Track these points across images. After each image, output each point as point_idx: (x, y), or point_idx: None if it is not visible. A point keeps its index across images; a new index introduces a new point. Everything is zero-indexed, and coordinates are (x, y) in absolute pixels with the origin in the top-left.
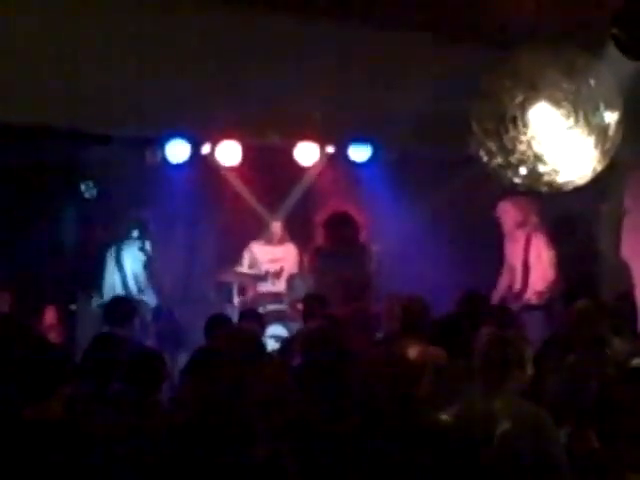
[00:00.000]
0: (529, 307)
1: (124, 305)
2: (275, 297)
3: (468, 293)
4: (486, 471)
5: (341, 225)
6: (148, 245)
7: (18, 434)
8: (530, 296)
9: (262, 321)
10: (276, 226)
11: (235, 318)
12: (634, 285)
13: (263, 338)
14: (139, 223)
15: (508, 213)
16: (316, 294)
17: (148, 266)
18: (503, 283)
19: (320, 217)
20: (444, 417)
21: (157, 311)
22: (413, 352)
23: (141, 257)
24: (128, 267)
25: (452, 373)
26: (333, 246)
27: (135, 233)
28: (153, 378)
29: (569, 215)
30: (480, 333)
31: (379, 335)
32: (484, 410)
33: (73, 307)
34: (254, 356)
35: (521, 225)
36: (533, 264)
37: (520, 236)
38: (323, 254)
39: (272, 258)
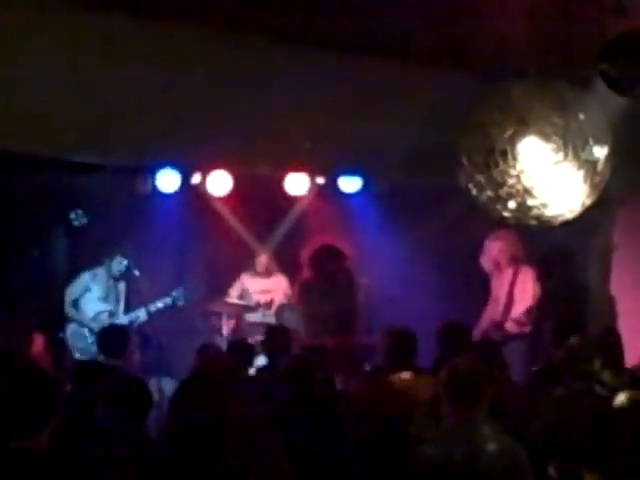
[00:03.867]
0: (510, 337)
1: (117, 334)
2: (264, 328)
3: (448, 324)
4: None
5: (327, 258)
6: (136, 272)
7: (4, 464)
8: (510, 325)
9: (251, 352)
10: (263, 258)
11: (224, 348)
12: (621, 320)
13: (251, 367)
14: (125, 256)
15: (498, 248)
16: (278, 326)
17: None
18: (487, 315)
19: (306, 251)
20: (428, 449)
21: (145, 340)
22: (400, 384)
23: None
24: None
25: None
26: (319, 279)
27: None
28: (138, 407)
29: (558, 249)
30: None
31: (367, 366)
32: (468, 437)
33: (61, 335)
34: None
35: (512, 260)
36: (518, 297)
37: (508, 269)
38: (309, 287)
39: (263, 289)
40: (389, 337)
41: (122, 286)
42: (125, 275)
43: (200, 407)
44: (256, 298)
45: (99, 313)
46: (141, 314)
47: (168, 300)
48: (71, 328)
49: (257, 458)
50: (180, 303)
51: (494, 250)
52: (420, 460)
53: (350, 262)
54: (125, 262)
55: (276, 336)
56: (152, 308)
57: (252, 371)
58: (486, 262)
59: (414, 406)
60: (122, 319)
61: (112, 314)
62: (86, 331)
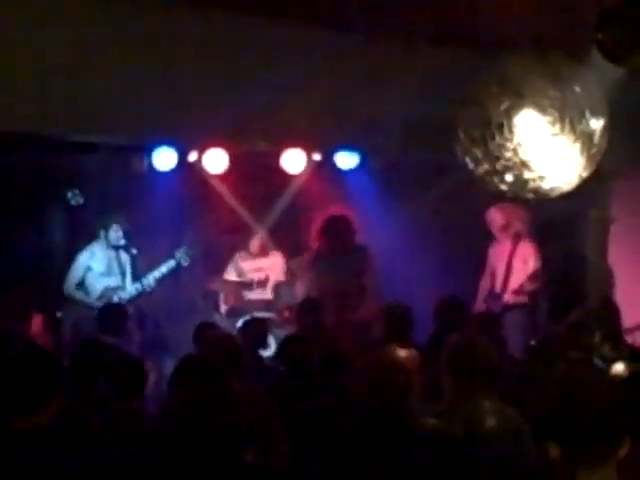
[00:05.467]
0: (508, 307)
1: (115, 312)
2: (262, 305)
3: (444, 300)
4: (472, 469)
5: (338, 229)
6: (134, 251)
7: (6, 443)
8: (508, 296)
9: (265, 331)
10: (258, 238)
11: (223, 325)
12: (618, 290)
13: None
14: (121, 226)
15: (493, 218)
16: (310, 302)
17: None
18: (484, 287)
19: (319, 220)
20: (432, 421)
21: (144, 318)
22: (400, 356)
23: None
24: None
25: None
26: (331, 251)
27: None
28: (133, 384)
29: (555, 221)
30: (448, 338)
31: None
32: (469, 411)
33: (59, 314)
34: (240, 362)
35: (504, 229)
36: (517, 269)
37: (506, 240)
38: (321, 259)
39: (257, 267)
40: (386, 312)
41: (124, 256)
42: (125, 245)
43: (199, 385)
44: (250, 276)
45: (106, 289)
46: (148, 281)
47: (172, 262)
48: (79, 311)
49: (256, 430)
50: (185, 263)
51: (491, 222)
52: (421, 433)
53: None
54: (121, 232)
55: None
56: (157, 274)
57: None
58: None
59: (412, 379)
60: (130, 290)
61: (119, 287)
62: (96, 312)
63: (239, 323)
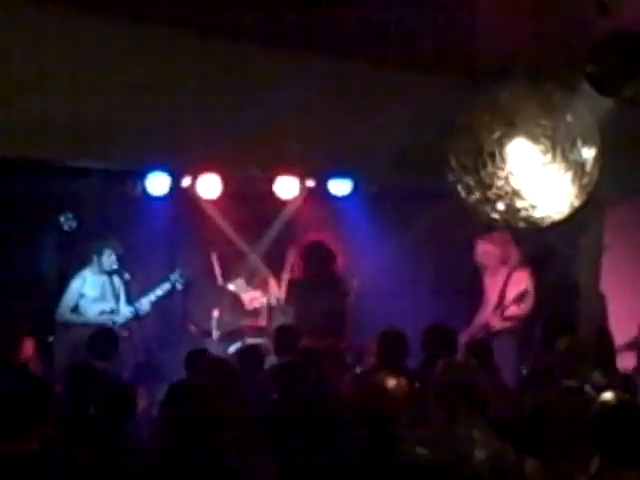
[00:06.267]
0: (496, 333)
1: (106, 337)
2: (255, 331)
3: (433, 327)
4: None
5: (317, 255)
6: (127, 276)
7: None
8: (495, 322)
9: (260, 355)
10: (253, 264)
11: (214, 351)
12: (612, 320)
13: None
14: (114, 251)
15: (488, 251)
16: (289, 326)
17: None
18: (480, 319)
19: (296, 248)
20: (421, 451)
21: (136, 343)
22: (390, 384)
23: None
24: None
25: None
26: (308, 277)
27: (107, 261)
28: (122, 411)
29: (547, 250)
30: (437, 363)
31: (358, 369)
32: (458, 440)
33: (51, 339)
34: (231, 387)
35: (504, 261)
36: (509, 299)
37: (502, 271)
38: (298, 285)
39: (252, 296)
40: (382, 338)
41: (117, 281)
42: (118, 269)
43: (191, 411)
44: (246, 305)
45: (100, 314)
46: (143, 304)
47: (167, 285)
48: (73, 335)
49: (246, 460)
50: (179, 286)
51: (479, 252)
52: (409, 461)
53: (340, 261)
54: (114, 256)
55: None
56: (152, 297)
57: None
58: (477, 261)
59: (402, 407)
60: (124, 313)
61: (113, 312)
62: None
63: (231, 349)
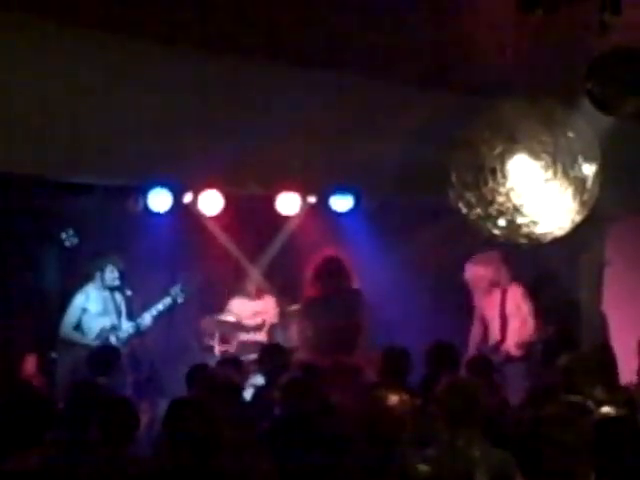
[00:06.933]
0: (510, 359)
1: (108, 354)
2: (256, 347)
3: (437, 344)
4: None
5: (331, 271)
6: (128, 292)
7: None
8: (510, 348)
9: (241, 368)
10: (254, 281)
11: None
12: (613, 336)
13: (243, 386)
14: (116, 267)
15: (480, 274)
16: (277, 345)
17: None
18: (475, 335)
19: (309, 267)
20: (424, 468)
21: (137, 360)
22: (393, 400)
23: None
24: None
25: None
26: (325, 293)
27: (109, 277)
28: (124, 428)
29: (549, 267)
30: (439, 379)
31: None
32: (460, 458)
33: (54, 355)
34: (230, 403)
35: (495, 284)
36: (511, 316)
37: (494, 291)
38: (315, 302)
39: (253, 312)
40: (385, 355)
41: (119, 296)
42: (120, 285)
43: (192, 428)
44: (247, 322)
45: (102, 330)
46: (144, 319)
47: (168, 300)
48: (75, 352)
49: (248, 475)
50: (180, 300)
51: (470, 275)
52: (412, 478)
53: (354, 279)
54: (116, 272)
55: (273, 354)
56: (154, 312)
57: (247, 390)
58: (468, 283)
59: (404, 424)
60: (126, 329)
61: (115, 327)
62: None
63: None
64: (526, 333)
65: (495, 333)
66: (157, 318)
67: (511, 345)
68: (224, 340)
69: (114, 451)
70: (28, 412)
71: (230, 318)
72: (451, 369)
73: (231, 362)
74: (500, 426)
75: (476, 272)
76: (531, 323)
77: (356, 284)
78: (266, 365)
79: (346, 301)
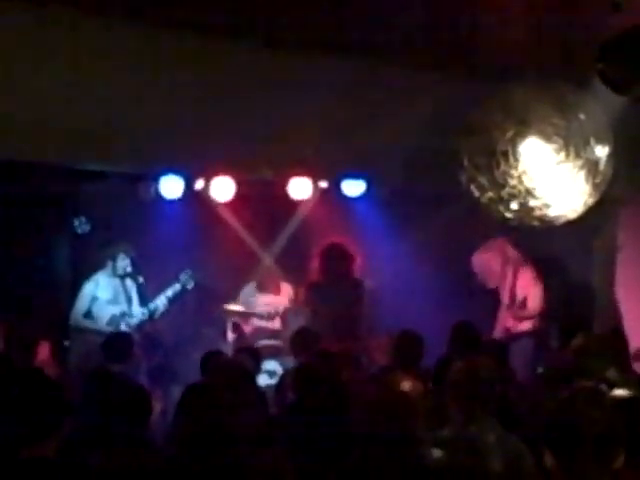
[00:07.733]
0: (516, 335)
1: (121, 340)
2: (270, 332)
3: (461, 323)
4: None
5: (336, 258)
6: (140, 279)
7: (14, 473)
8: (515, 325)
9: (257, 356)
10: (266, 266)
11: (230, 354)
12: (626, 320)
13: (258, 373)
14: (128, 254)
15: (489, 260)
16: (307, 329)
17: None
18: (500, 323)
19: (316, 250)
20: (437, 452)
21: (151, 347)
22: (406, 385)
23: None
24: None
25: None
26: (327, 280)
27: (121, 265)
28: (138, 414)
29: (561, 251)
30: (453, 363)
31: (373, 369)
32: (474, 443)
33: (66, 343)
34: (244, 389)
35: (505, 263)
36: (520, 297)
37: (508, 273)
38: (317, 288)
39: (266, 300)
40: (399, 339)
41: (130, 283)
42: (131, 272)
43: (205, 414)
44: (260, 309)
45: (113, 317)
46: (156, 305)
47: (177, 286)
48: (87, 339)
49: (261, 461)
50: (189, 286)
51: (479, 263)
52: (427, 463)
53: (357, 264)
54: (128, 260)
55: (306, 338)
56: (163, 298)
57: (261, 377)
58: (482, 278)
59: (417, 409)
60: (137, 316)
61: (125, 314)
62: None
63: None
64: (533, 311)
65: (506, 314)
66: (168, 304)
67: (517, 322)
68: (237, 327)
69: (129, 437)
70: (42, 400)
71: (242, 305)
72: (473, 350)
73: (247, 350)
74: (515, 411)
75: (485, 258)
76: (539, 303)
77: (358, 272)
78: (298, 349)
79: (348, 288)
